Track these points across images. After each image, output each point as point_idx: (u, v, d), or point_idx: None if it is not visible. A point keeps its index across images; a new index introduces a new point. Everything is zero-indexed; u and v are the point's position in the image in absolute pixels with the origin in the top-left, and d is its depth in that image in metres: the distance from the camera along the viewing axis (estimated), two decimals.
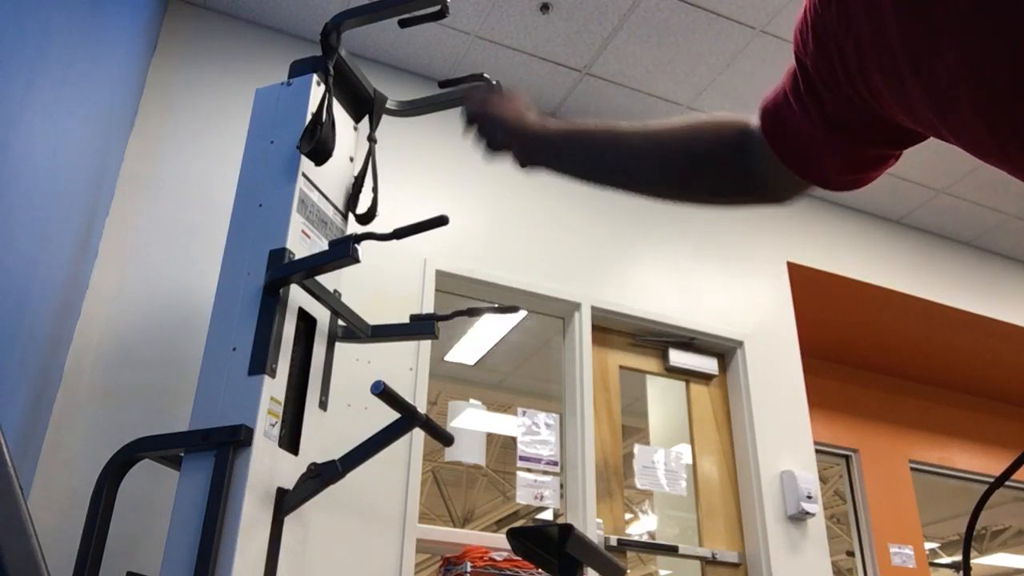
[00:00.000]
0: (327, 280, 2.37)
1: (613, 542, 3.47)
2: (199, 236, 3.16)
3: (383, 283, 3.41)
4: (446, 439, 2.33)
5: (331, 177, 2.49)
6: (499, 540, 3.12)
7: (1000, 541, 7.57)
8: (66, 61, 2.03)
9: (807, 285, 4.54)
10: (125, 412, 2.79)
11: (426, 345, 3.37)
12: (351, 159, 2.63)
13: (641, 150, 1.08)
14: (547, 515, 3.93)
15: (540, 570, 2.79)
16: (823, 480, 5.92)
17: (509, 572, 2.84)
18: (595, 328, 3.84)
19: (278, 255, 2.19)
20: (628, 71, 3.92)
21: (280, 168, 2.32)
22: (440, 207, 3.70)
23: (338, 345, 2.53)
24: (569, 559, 1.92)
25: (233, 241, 2.29)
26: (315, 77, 2.44)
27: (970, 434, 5.83)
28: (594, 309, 3.81)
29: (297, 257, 2.21)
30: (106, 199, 2.98)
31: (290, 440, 2.19)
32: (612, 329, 3.94)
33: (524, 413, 3.58)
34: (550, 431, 3.57)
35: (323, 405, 2.37)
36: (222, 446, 1.96)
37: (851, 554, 5.15)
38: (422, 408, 3.24)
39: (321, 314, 2.39)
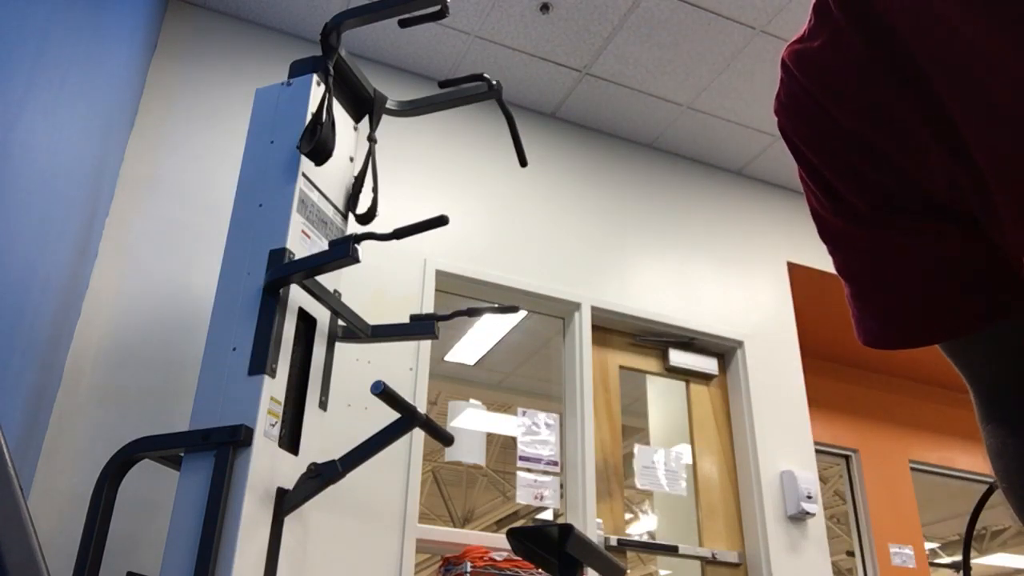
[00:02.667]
0: (327, 280, 2.37)
1: (613, 542, 3.47)
2: (199, 236, 3.16)
3: (383, 283, 3.41)
4: (446, 439, 2.33)
5: (331, 177, 2.49)
6: (499, 540, 3.12)
7: (1000, 541, 7.58)
8: (66, 61, 2.03)
9: (807, 285, 4.53)
10: (125, 412, 2.79)
11: (426, 345, 3.37)
12: (351, 159, 2.63)
13: None
14: (547, 515, 3.93)
15: (540, 570, 2.79)
16: (823, 480, 5.92)
17: (509, 572, 2.84)
18: (595, 328, 3.84)
19: (278, 255, 2.19)
20: (628, 71, 3.92)
21: (280, 168, 2.32)
22: (440, 207, 3.70)
23: (338, 345, 2.53)
24: (569, 559, 1.92)
25: (233, 241, 2.29)
26: (315, 77, 2.44)
27: (970, 434, 5.83)
28: (594, 309, 3.81)
29: (297, 257, 2.21)
30: (106, 199, 2.98)
31: (290, 440, 2.19)
32: (612, 329, 3.94)
33: (524, 413, 3.58)
34: (550, 431, 3.57)
35: (323, 405, 2.37)
36: (222, 446, 1.96)
37: (851, 554, 5.16)
38: (422, 408, 3.24)
39: (321, 314, 2.39)
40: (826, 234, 0.68)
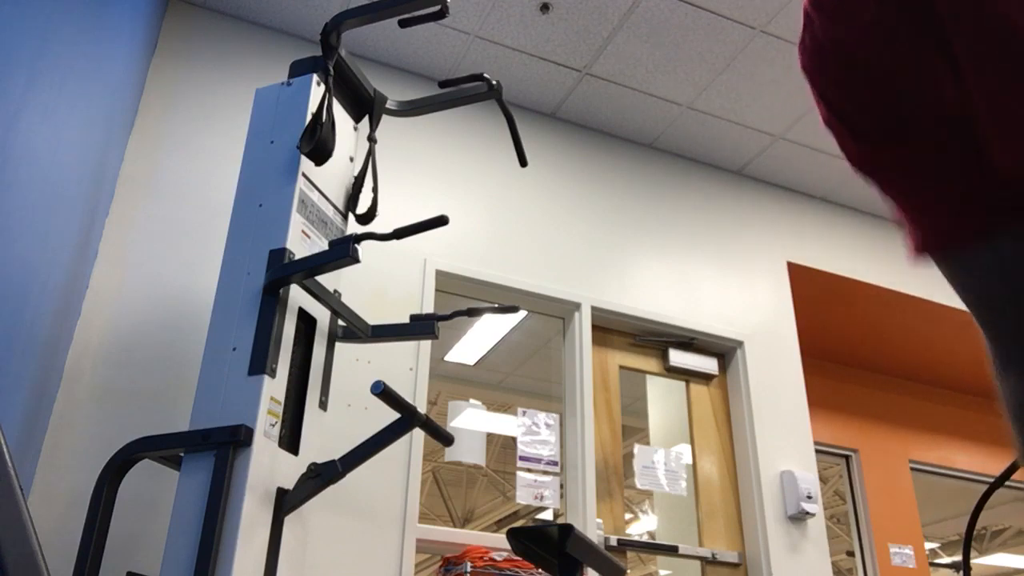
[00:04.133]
0: (327, 280, 2.37)
1: (613, 542, 3.47)
2: (199, 236, 3.16)
3: (383, 283, 3.41)
4: (446, 439, 2.33)
5: (331, 177, 2.50)
6: (499, 540, 3.12)
7: (1000, 541, 7.58)
8: (66, 61, 2.03)
9: (807, 285, 4.54)
10: (125, 412, 2.79)
11: (426, 345, 3.37)
12: (351, 159, 2.63)
13: None
14: (547, 515, 3.93)
15: (540, 570, 2.79)
16: (823, 480, 5.92)
17: (509, 572, 2.84)
18: (595, 328, 3.84)
19: (278, 255, 2.19)
20: (628, 71, 3.92)
21: (280, 168, 2.32)
22: (440, 207, 3.70)
23: (338, 345, 2.53)
24: (569, 559, 1.92)
25: (233, 241, 2.29)
26: (315, 77, 2.44)
27: (970, 434, 5.83)
28: (594, 309, 3.81)
29: (297, 257, 2.21)
30: (106, 199, 2.98)
31: (290, 440, 2.19)
32: (612, 329, 3.94)
33: (524, 413, 3.58)
34: (550, 431, 3.57)
35: (323, 405, 2.37)
36: (222, 446, 1.96)
37: (851, 554, 5.16)
38: (422, 408, 3.24)
39: (321, 314, 2.39)
40: (856, 163, 0.75)
